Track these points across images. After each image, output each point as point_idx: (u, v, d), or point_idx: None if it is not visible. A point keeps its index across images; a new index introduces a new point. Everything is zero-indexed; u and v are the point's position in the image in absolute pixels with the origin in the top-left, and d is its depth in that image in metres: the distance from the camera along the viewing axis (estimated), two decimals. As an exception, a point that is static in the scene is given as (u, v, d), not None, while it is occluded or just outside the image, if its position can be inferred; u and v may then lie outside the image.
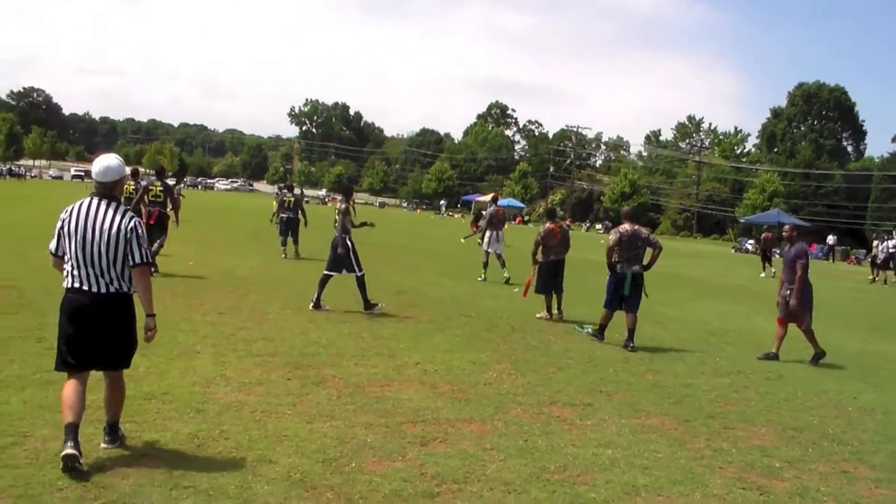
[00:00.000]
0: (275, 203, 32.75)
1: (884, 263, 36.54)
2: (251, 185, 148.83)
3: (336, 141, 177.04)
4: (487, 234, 20.84)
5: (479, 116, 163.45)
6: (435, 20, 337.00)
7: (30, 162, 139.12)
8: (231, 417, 7.00)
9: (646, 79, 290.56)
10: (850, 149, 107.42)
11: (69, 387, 5.83)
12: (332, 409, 7.53)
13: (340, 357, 9.87)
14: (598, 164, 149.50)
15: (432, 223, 67.61)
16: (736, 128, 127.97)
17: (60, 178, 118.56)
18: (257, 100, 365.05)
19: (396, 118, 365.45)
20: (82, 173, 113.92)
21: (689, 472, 6.59)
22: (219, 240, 26.40)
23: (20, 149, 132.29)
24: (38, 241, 19.34)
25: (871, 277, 36.88)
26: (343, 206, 14.06)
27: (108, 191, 6.00)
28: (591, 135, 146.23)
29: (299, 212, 23.61)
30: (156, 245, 16.59)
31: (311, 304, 13.50)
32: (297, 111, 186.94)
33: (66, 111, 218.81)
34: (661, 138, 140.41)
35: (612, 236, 12.76)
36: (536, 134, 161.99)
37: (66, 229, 5.89)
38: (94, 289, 5.82)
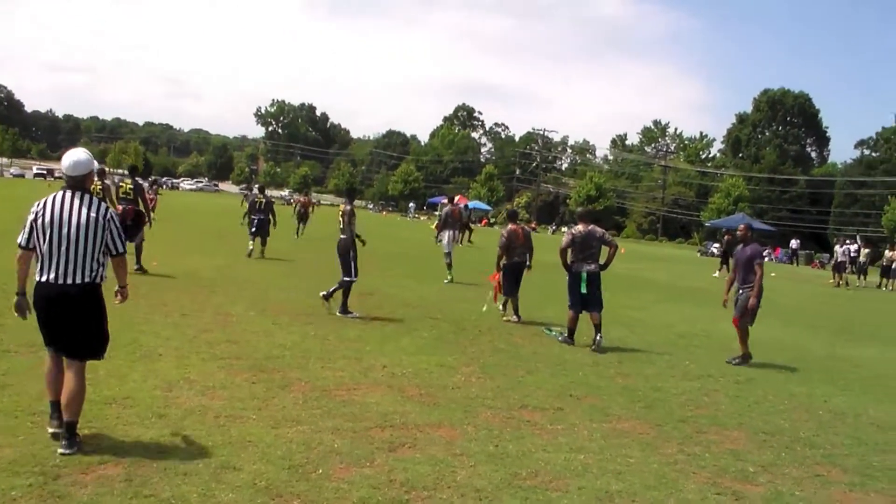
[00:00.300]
0: (245, 204, 32.51)
1: (839, 266, 36.94)
2: (216, 186, 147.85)
3: (302, 142, 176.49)
4: (446, 234, 20.90)
5: (445, 119, 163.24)
6: (403, 22, 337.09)
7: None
8: (194, 422, 6.79)
9: (613, 84, 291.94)
10: (813, 154, 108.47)
11: (47, 365, 6.26)
12: (298, 413, 7.35)
13: (306, 360, 9.68)
14: (564, 168, 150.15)
15: (398, 225, 67.38)
16: (701, 133, 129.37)
17: (22, 176, 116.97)
18: (223, 99, 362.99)
19: (363, 119, 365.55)
20: (45, 171, 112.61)
21: (663, 477, 6.49)
22: (183, 240, 26.07)
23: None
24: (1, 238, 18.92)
25: (831, 282, 37.21)
26: (349, 207, 13.82)
27: (79, 184, 6.13)
28: (557, 138, 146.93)
29: (269, 213, 23.62)
30: (136, 241, 16.54)
31: (338, 311, 13.33)
32: (263, 111, 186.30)
33: (29, 108, 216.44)
34: (627, 142, 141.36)
35: (565, 237, 12.86)
36: (503, 137, 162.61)
37: (39, 222, 5.98)
38: (69, 280, 5.98)
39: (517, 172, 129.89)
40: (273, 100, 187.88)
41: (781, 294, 27.98)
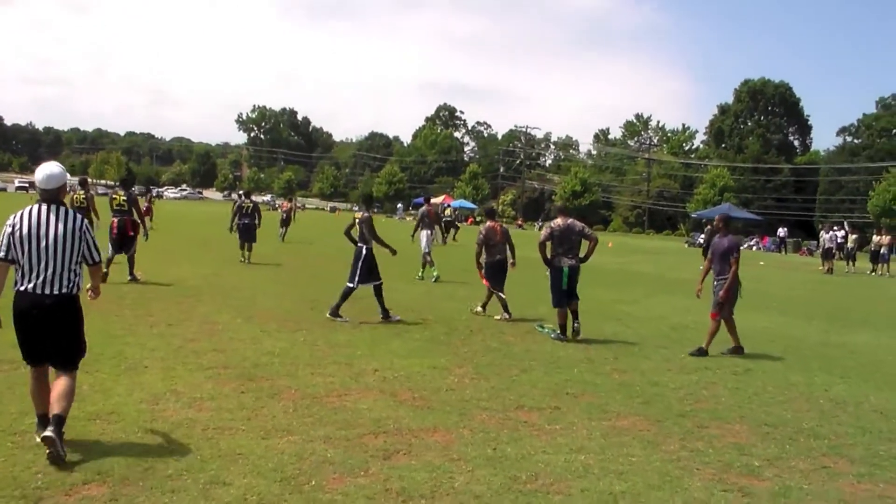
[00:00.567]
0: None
1: (827, 253, 36.97)
2: (200, 193, 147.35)
3: (285, 146, 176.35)
4: (424, 233, 21.26)
5: (427, 119, 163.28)
6: (381, 24, 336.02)
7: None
8: (181, 436, 6.56)
9: (593, 79, 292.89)
10: (796, 143, 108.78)
11: (31, 381, 6.31)
12: (289, 422, 7.13)
13: (295, 367, 9.44)
14: (547, 164, 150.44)
15: (385, 226, 67.07)
16: (684, 125, 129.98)
17: (4, 189, 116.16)
18: (205, 107, 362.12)
19: (345, 122, 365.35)
20: (27, 184, 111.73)
21: (667, 475, 6.30)
22: (169, 248, 25.75)
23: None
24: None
25: (821, 269, 37.23)
26: (366, 214, 13.80)
27: (53, 196, 6.25)
28: (540, 135, 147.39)
29: (255, 217, 23.59)
30: (130, 252, 16.75)
31: (381, 317, 13.29)
32: (244, 118, 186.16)
33: (8, 121, 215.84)
34: (610, 137, 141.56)
35: (543, 231, 12.94)
36: (485, 135, 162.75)
37: (16, 235, 6.08)
38: (48, 290, 6.07)
39: (501, 170, 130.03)
40: (254, 105, 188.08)
41: (772, 283, 27.91)
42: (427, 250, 21.58)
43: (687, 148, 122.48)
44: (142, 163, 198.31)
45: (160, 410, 7.31)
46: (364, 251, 13.45)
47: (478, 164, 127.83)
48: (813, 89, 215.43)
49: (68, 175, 6.69)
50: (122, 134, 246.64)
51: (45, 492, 5.30)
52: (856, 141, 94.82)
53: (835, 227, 39.59)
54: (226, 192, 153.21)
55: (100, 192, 18.30)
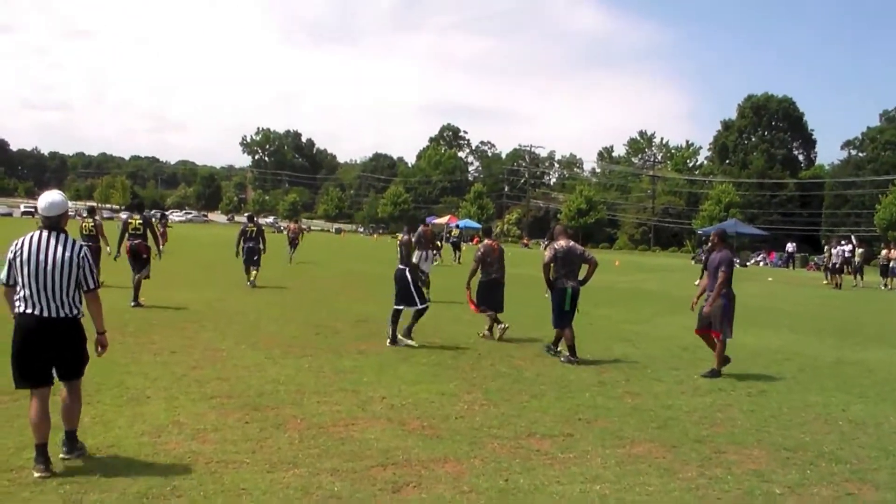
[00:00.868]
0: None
1: (838, 269, 36.70)
2: (205, 216, 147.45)
3: (289, 168, 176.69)
4: (417, 254, 21.18)
5: (431, 139, 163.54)
6: (381, 46, 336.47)
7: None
8: (184, 471, 6.35)
9: (596, 97, 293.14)
10: (801, 157, 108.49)
11: (32, 407, 6.32)
12: (295, 454, 6.92)
13: (301, 395, 9.24)
14: (552, 182, 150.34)
15: (390, 247, 66.96)
16: (687, 141, 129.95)
17: (10, 214, 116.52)
18: (209, 130, 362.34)
19: (349, 144, 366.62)
20: (32, 209, 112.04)
21: (686, 506, 6.08)
22: (173, 272, 25.56)
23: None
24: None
25: (826, 283, 37.02)
26: (406, 237, 13.86)
27: (54, 224, 6.49)
28: (544, 153, 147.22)
29: (261, 240, 23.57)
30: (138, 276, 17.09)
31: (388, 341, 13.17)
32: (248, 140, 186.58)
33: (14, 147, 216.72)
34: (614, 154, 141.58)
35: (548, 252, 12.87)
36: (489, 154, 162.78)
37: (17, 260, 6.34)
38: (46, 313, 6.28)
39: (506, 189, 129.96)
40: (258, 128, 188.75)
41: (781, 300, 27.66)
42: (426, 270, 21.36)
43: (691, 164, 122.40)
44: (147, 186, 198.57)
45: (162, 443, 7.11)
46: (408, 275, 13.39)
47: (482, 183, 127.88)
48: (816, 103, 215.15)
49: (69, 203, 6.92)
50: (126, 158, 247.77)
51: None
52: (860, 154, 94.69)
53: (842, 242, 39.30)
54: (230, 215, 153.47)
55: (105, 215, 18.44)
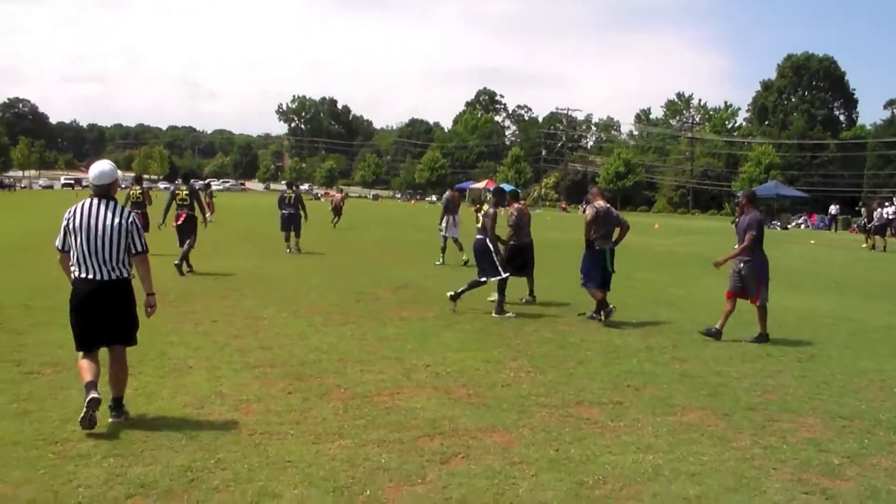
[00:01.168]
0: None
1: (880, 229, 36.00)
2: (243, 185, 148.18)
3: (325, 136, 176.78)
4: (444, 219, 21.32)
5: (467, 104, 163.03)
6: (416, 12, 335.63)
7: (19, 173, 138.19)
8: (228, 443, 6.25)
9: (632, 59, 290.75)
10: (842, 118, 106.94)
11: (83, 361, 6.68)
12: (340, 425, 6.80)
13: (344, 364, 9.13)
14: (589, 146, 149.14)
15: (428, 213, 66.78)
16: (726, 102, 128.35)
17: (51, 187, 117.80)
18: (244, 99, 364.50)
19: (384, 110, 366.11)
20: (73, 181, 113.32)
21: (742, 476, 5.88)
22: (213, 241, 25.60)
23: (8, 160, 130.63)
24: (27, 252, 18.61)
25: (864, 246, 36.42)
26: (493, 210, 13.60)
27: (105, 191, 6.82)
28: (581, 116, 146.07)
29: (299, 207, 23.56)
30: (185, 246, 17.52)
31: (494, 312, 13.00)
32: (284, 108, 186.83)
33: (53, 120, 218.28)
34: (652, 116, 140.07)
35: (590, 211, 12.77)
36: (526, 119, 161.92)
37: (71, 226, 6.70)
38: (99, 276, 6.64)
39: (543, 153, 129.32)
40: (294, 96, 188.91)
41: (825, 263, 27.22)
42: (455, 236, 21.67)
43: (730, 126, 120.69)
44: (184, 156, 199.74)
45: (205, 414, 7.04)
46: (488, 244, 13.23)
47: (519, 147, 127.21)
48: (858, 62, 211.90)
49: (119, 172, 7.20)
50: (164, 128, 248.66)
51: (89, 505, 5.03)
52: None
53: (885, 204, 38.62)
54: (267, 184, 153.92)
55: (173, 188, 18.79)
